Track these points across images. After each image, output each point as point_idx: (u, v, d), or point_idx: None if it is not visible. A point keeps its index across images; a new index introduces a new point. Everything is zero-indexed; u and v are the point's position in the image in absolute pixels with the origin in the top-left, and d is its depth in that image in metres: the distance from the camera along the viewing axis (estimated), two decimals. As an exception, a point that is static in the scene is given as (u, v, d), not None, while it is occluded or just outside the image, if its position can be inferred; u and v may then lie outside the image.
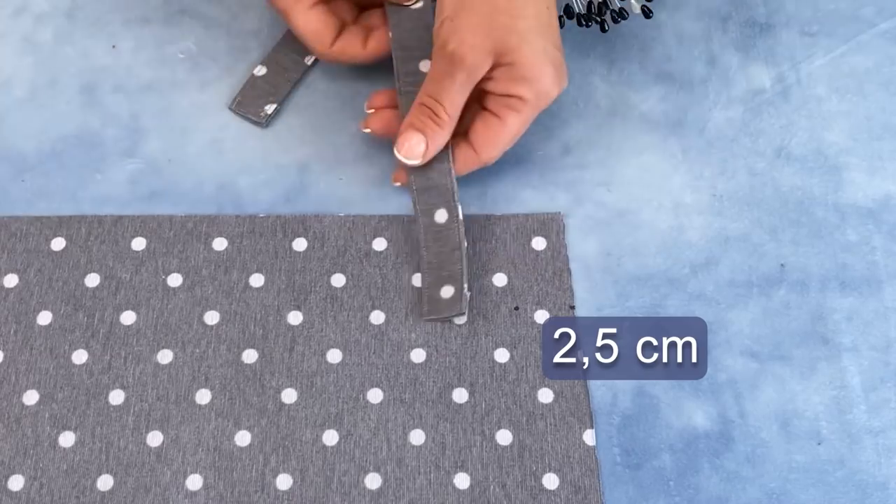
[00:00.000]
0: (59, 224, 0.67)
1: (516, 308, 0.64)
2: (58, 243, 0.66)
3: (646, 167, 0.69)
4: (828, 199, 0.68)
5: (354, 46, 0.68)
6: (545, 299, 0.64)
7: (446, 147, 0.66)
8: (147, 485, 0.59)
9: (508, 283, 0.64)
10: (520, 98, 0.63)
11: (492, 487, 0.58)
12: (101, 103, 0.73)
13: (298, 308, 0.64)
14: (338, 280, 0.65)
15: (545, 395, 0.61)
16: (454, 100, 0.63)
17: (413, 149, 0.64)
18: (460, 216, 0.65)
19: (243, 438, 0.60)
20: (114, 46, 0.75)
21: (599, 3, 0.69)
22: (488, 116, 0.65)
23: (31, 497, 0.58)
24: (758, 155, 0.70)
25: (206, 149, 0.71)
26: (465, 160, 0.66)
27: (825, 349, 0.63)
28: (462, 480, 0.59)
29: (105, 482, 0.59)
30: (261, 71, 0.72)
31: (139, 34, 0.75)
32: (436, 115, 0.63)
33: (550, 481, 0.59)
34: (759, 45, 0.73)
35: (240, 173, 0.70)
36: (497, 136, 0.65)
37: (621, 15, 0.68)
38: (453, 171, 0.66)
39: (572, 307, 0.64)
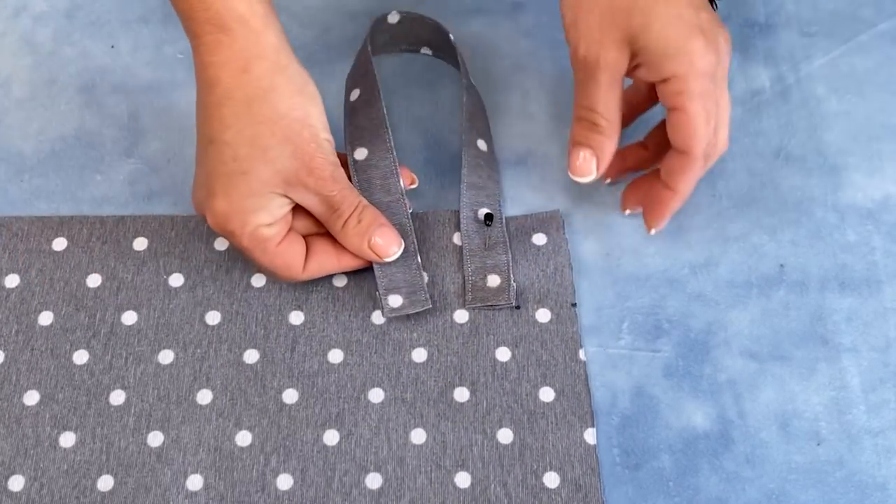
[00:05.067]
0: (61, 224, 0.66)
1: (517, 307, 0.64)
2: (59, 243, 0.66)
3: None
4: (827, 199, 0.68)
5: (328, 263, 0.63)
6: (546, 297, 0.64)
7: (492, 146, 0.67)
8: (147, 485, 0.59)
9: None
10: (676, 77, 0.58)
11: (493, 486, 0.58)
12: (100, 103, 0.73)
13: (300, 308, 0.64)
14: (339, 281, 0.65)
15: (546, 394, 0.61)
16: (607, 103, 0.59)
17: (584, 166, 0.61)
18: (503, 216, 0.66)
19: (244, 438, 0.60)
20: (112, 47, 0.75)
21: None
22: (669, 114, 0.60)
23: (31, 497, 0.58)
24: (757, 155, 0.70)
25: (205, 149, 0.71)
26: (684, 168, 0.61)
27: (824, 350, 0.63)
28: (463, 479, 0.59)
29: (105, 482, 0.59)
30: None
31: (138, 34, 0.75)
32: (595, 124, 0.60)
33: (551, 480, 0.58)
34: (758, 46, 0.73)
35: (239, 173, 0.70)
36: (689, 127, 0.58)
37: None
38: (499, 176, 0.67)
39: (574, 305, 0.64)
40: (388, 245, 0.63)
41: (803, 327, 0.64)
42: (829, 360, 0.63)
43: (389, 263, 0.63)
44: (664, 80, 0.58)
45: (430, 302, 0.63)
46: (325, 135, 0.61)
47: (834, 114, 0.71)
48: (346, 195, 0.61)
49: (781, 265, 0.66)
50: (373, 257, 0.63)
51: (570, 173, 0.62)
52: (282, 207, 0.60)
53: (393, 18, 0.72)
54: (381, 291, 0.63)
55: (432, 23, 0.72)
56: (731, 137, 0.70)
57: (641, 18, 0.57)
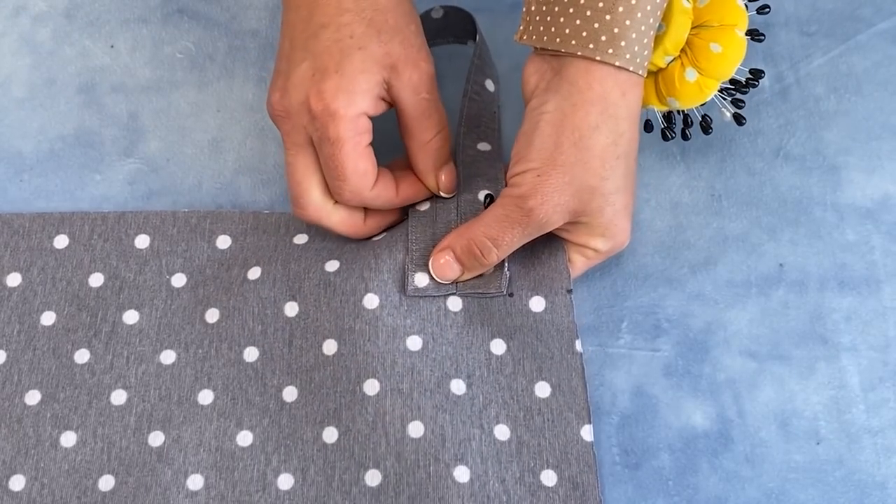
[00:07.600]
0: (62, 221, 0.67)
1: (510, 294, 0.63)
2: (60, 241, 0.66)
3: (644, 167, 0.69)
4: (826, 198, 0.68)
5: (389, 191, 0.62)
6: (540, 284, 0.63)
7: (499, 146, 0.67)
8: (148, 485, 0.59)
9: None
10: (595, 250, 0.62)
11: (491, 482, 0.58)
12: (100, 103, 0.73)
13: (293, 298, 0.63)
14: (331, 265, 0.64)
15: (542, 389, 0.61)
16: (513, 247, 0.60)
17: (446, 274, 0.62)
18: None
19: (245, 438, 0.60)
20: (112, 46, 0.75)
21: (684, 115, 0.67)
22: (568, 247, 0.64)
23: (31, 497, 0.58)
24: (756, 155, 0.70)
25: (204, 149, 0.71)
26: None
27: (824, 349, 0.63)
28: (462, 473, 0.58)
29: (106, 482, 0.59)
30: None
31: (137, 34, 0.75)
32: (485, 256, 0.60)
33: (548, 478, 0.58)
34: (757, 45, 0.73)
35: (238, 173, 0.70)
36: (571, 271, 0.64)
37: (705, 129, 0.66)
38: (502, 163, 0.66)
39: (569, 291, 0.63)
40: (455, 183, 0.64)
41: (802, 326, 0.64)
42: (828, 359, 0.63)
43: (427, 242, 0.63)
44: (580, 245, 0.62)
45: (455, 287, 0.63)
46: (424, 40, 0.62)
47: (833, 113, 0.71)
48: (441, 110, 0.61)
49: (781, 264, 0.66)
50: (433, 187, 0.64)
51: (430, 267, 0.62)
52: (379, 102, 0.60)
53: (437, 14, 0.73)
54: (409, 267, 0.63)
55: (471, 19, 0.73)
56: (729, 137, 0.70)
57: (600, 202, 0.59)
